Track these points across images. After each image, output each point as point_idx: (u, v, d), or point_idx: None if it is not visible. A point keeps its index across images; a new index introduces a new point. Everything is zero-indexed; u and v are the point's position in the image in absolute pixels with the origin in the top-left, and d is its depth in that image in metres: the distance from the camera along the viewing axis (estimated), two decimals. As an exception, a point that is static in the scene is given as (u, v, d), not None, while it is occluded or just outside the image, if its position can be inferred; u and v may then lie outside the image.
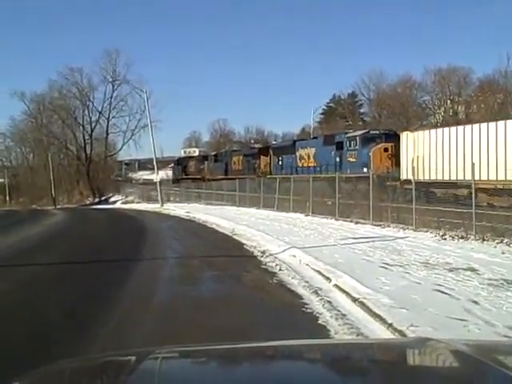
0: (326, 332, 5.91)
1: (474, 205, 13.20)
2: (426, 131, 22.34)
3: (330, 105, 65.52)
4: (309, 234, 15.23)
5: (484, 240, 12.17)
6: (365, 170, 23.99)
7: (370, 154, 25.08)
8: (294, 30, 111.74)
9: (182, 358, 2.15)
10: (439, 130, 21.40)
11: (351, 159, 26.67)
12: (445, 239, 12.88)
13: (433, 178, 19.77)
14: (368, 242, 12.86)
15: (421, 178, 19.66)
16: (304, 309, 7.03)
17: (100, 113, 63.50)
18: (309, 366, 2.03)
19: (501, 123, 18.02)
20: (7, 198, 62.97)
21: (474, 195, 13.51)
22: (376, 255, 10.74)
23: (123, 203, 49.88)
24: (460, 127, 20.35)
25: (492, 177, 17.07)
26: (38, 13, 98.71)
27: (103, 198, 58.39)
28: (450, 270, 8.86)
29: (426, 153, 20.83)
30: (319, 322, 6.37)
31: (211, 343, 3.40)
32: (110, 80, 60.78)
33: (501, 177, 16.85)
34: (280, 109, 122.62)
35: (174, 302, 7.67)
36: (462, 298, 6.87)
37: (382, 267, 9.36)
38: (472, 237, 12.58)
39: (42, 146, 63.65)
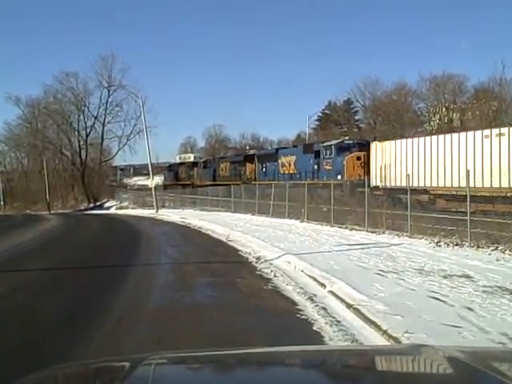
0: (320, 338, 5.90)
1: (468, 212, 13.24)
2: (393, 141, 24.20)
3: (326, 111, 65.65)
4: (304, 240, 15.23)
5: (479, 247, 12.20)
6: (339, 177, 26.18)
7: (344, 162, 26.93)
8: (290, 36, 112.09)
9: (176, 365, 2.14)
10: (403, 141, 23.41)
11: (327, 167, 28.39)
12: (440, 246, 12.91)
13: (398, 184, 21.41)
14: (363, 248, 12.87)
15: (388, 184, 22.12)
16: (299, 315, 7.02)
17: (95, 118, 63.61)
18: (303, 373, 2.03)
19: (455, 135, 20.14)
20: (1, 202, 62.78)
21: (468, 202, 13.53)
22: (371, 262, 10.74)
23: (118, 209, 49.82)
24: (421, 138, 22.53)
25: (448, 184, 19.11)
26: (33, 17, 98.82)
27: (98, 204, 58.33)
28: (445, 277, 8.87)
29: (392, 161, 22.86)
30: (314, 328, 6.35)
31: (205, 349, 3.39)
32: (106, 85, 60.98)
33: (455, 184, 18.76)
34: (276, 115, 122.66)
35: (168, 308, 7.64)
36: (457, 305, 6.87)
37: (377, 274, 9.37)
38: (467, 244, 12.61)
39: (36, 151, 63.61)
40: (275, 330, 6.34)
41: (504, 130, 18.18)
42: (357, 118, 61.12)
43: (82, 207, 57.28)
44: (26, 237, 19.87)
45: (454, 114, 49.05)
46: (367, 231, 16.59)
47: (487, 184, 17.65)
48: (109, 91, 62.38)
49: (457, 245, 12.78)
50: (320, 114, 65.68)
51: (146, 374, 1.88)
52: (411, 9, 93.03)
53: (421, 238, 14.16)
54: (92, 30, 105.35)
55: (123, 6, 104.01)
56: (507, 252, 11.39)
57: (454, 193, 17.59)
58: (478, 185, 17.21)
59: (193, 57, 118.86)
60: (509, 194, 16.42)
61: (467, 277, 8.88)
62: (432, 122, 50.25)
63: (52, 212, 49.53)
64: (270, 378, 1.91)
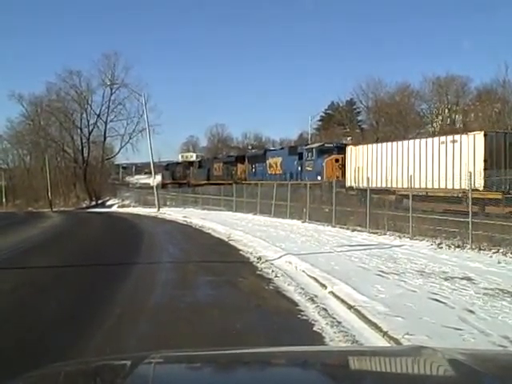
0: (321, 339, 5.90)
1: (470, 214, 13.24)
2: (365, 146, 26.95)
3: (328, 112, 65.65)
4: (305, 240, 15.23)
5: (480, 249, 12.19)
6: (319, 178, 28.22)
7: (324, 164, 29.19)
8: (293, 36, 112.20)
9: (176, 363, 2.15)
10: (374, 145, 26.01)
11: (309, 168, 30.71)
12: (441, 248, 12.90)
13: (370, 185, 23.09)
14: (364, 249, 12.87)
15: (360, 185, 23.93)
16: (299, 315, 7.01)
17: (98, 116, 63.55)
18: (303, 373, 2.03)
19: (417, 141, 23.07)
20: (3, 200, 62.81)
21: (470, 204, 13.53)
22: (372, 263, 10.74)
23: (120, 207, 49.84)
24: (389, 143, 25.01)
25: (412, 185, 20.88)
26: (37, 15, 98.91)
27: (100, 202, 58.34)
28: (446, 279, 8.86)
29: (364, 164, 25.29)
30: (314, 328, 6.35)
31: (206, 348, 3.39)
32: (109, 83, 60.86)
33: (417, 185, 20.31)
34: (278, 115, 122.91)
35: (169, 307, 7.64)
36: (458, 307, 6.87)
37: (378, 275, 9.36)
38: (468, 246, 12.60)
39: (39, 149, 63.58)
40: (276, 330, 6.35)
41: (457, 137, 20.87)
42: (359, 118, 61.18)
43: (84, 205, 57.32)
44: (30, 234, 19.91)
45: (457, 116, 49.05)
46: (369, 232, 16.59)
47: (443, 185, 19.90)
48: (111, 89, 62.39)
49: (458, 247, 12.76)
50: (322, 115, 65.79)
51: (146, 373, 1.88)
52: (414, 10, 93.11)
53: (422, 240, 14.15)
54: (96, 29, 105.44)
55: (127, 5, 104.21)
56: (509, 254, 11.37)
57: (416, 193, 19.44)
58: (436, 186, 19.89)
59: (196, 56, 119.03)
60: (460, 195, 18.27)
61: (468, 279, 8.87)
62: (435, 124, 50.20)
63: (54, 210, 49.55)
64: (270, 379, 1.91)
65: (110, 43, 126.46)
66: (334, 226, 18.77)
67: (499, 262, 10.67)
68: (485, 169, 18.46)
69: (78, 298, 8.22)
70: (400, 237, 15.07)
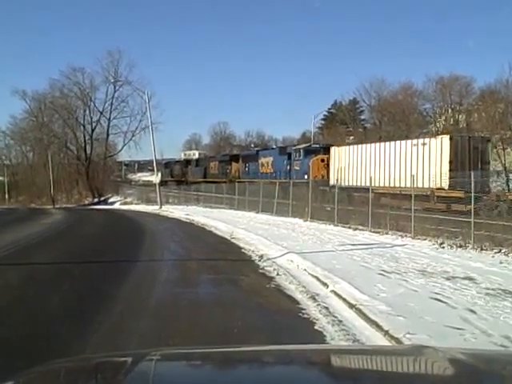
0: (322, 338, 5.90)
1: (472, 214, 13.22)
2: (347, 147, 29.27)
3: (331, 111, 65.54)
4: (307, 239, 15.22)
5: (482, 249, 12.17)
6: (306, 176, 29.50)
7: (310, 163, 30.92)
8: (297, 35, 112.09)
9: (177, 361, 2.15)
10: (355, 146, 28.23)
11: (296, 167, 32.66)
12: (443, 247, 12.89)
13: (350, 184, 25.46)
14: (366, 248, 12.86)
15: (342, 184, 25.21)
16: (301, 314, 7.01)
17: (101, 113, 63.60)
18: (304, 371, 2.03)
19: (392, 143, 25.02)
20: (6, 196, 62.87)
21: (472, 204, 13.51)
22: (374, 262, 10.73)
23: (122, 204, 49.89)
24: (368, 145, 27.20)
25: (387, 184, 22.92)
26: (40, 11, 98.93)
27: (102, 199, 58.39)
28: (448, 279, 8.85)
29: (346, 164, 27.32)
30: (316, 327, 6.36)
31: (207, 346, 3.40)
32: (112, 80, 60.87)
33: (392, 184, 22.65)
34: (281, 113, 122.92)
35: (170, 304, 7.64)
36: (459, 307, 6.86)
37: (380, 274, 9.36)
38: (470, 246, 12.58)
39: (42, 145, 63.61)
40: (277, 329, 6.35)
41: (427, 140, 23.26)
42: (362, 117, 61.04)
43: (87, 202, 57.36)
44: (32, 230, 19.93)
45: (460, 116, 48.87)
46: (370, 231, 16.58)
47: (414, 184, 20.99)
48: (115, 87, 62.42)
49: (460, 246, 12.75)
50: (326, 113, 65.64)
51: (147, 370, 1.89)
52: (418, 9, 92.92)
53: (424, 239, 14.13)
54: (99, 27, 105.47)
55: (130, 2, 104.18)
56: (510, 255, 11.35)
57: (392, 192, 21.00)
58: (408, 185, 20.26)
59: (200, 54, 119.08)
60: (428, 193, 20.15)
61: (470, 279, 8.86)
62: (438, 124, 50.03)
63: (56, 206, 49.60)
64: (270, 376, 1.91)
65: (114, 41, 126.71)
66: (336, 225, 18.76)
67: (501, 262, 10.65)
68: (450, 170, 19.67)
69: (78, 294, 8.21)
70: (402, 236, 15.06)
